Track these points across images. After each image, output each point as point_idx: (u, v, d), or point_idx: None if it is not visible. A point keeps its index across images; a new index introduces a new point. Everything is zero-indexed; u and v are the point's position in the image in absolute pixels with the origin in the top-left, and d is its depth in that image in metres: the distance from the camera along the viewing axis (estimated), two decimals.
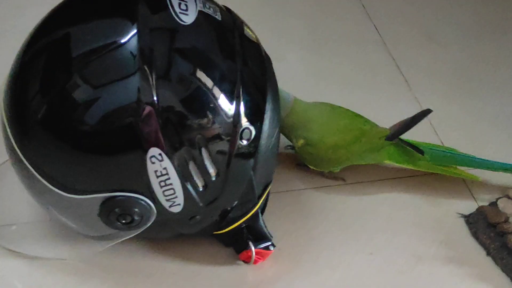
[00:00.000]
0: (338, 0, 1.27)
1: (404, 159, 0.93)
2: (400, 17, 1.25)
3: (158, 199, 0.75)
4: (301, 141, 0.92)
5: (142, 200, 0.74)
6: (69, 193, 0.75)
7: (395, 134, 0.92)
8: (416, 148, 0.92)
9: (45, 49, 0.76)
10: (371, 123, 0.94)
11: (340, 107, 0.94)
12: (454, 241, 0.91)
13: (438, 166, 0.94)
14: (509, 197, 0.95)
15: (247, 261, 0.84)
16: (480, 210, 0.93)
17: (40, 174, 0.75)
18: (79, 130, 0.73)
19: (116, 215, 0.76)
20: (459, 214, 0.94)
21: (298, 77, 1.10)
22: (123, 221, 0.76)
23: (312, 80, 1.12)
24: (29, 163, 0.76)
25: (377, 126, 0.94)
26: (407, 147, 0.93)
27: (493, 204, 0.94)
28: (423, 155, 0.92)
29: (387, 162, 0.94)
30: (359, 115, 0.94)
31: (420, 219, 0.93)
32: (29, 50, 0.76)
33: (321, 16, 1.21)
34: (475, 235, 0.91)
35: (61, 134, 0.74)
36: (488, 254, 0.90)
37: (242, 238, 0.83)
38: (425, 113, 0.93)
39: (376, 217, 0.92)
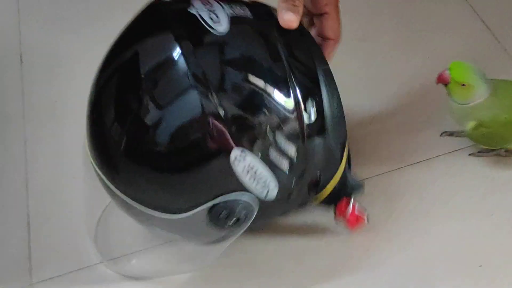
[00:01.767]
0: None
1: None
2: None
3: (254, 192, 0.79)
4: (472, 123, 0.91)
5: (241, 197, 0.78)
6: (173, 213, 0.80)
7: None
8: None
9: (109, 81, 0.81)
10: None
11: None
12: None
13: None
14: None
15: (343, 216, 0.89)
16: None
17: (139, 203, 0.79)
18: (159, 152, 0.76)
19: (223, 219, 0.80)
20: None
21: None
22: (231, 222, 0.81)
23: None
24: (125, 196, 0.79)
25: None
26: None
27: None
28: None
29: None
30: None
31: None
32: (98, 84, 0.82)
33: None
34: None
35: (144, 161, 0.77)
36: None
37: (338, 196, 0.89)
38: None
39: None
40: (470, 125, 0.92)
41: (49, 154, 1.07)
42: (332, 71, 0.81)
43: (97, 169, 0.81)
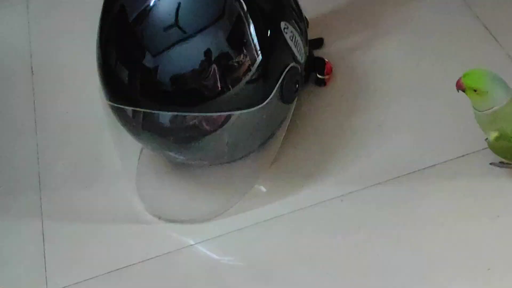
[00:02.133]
0: None
1: None
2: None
3: (297, 58, 0.97)
4: (495, 134, 0.90)
5: (294, 65, 0.96)
6: (255, 105, 0.91)
7: None
8: None
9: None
10: None
11: None
12: None
13: None
14: None
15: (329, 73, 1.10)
16: None
17: (224, 110, 0.90)
18: None
19: (291, 90, 0.96)
20: None
21: None
22: (296, 89, 0.97)
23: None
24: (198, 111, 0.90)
25: None
26: None
27: None
28: None
29: None
30: None
31: None
32: None
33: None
34: None
35: None
36: None
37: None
38: None
39: None
40: (492, 135, 0.90)
41: (61, 164, 1.09)
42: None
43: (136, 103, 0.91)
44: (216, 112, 0.91)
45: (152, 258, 0.96)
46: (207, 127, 0.93)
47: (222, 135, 0.94)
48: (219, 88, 0.88)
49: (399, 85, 1.09)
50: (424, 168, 0.99)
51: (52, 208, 1.04)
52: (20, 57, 1.27)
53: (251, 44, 0.90)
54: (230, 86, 0.89)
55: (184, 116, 0.92)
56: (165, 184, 1.03)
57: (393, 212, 0.96)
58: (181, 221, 0.98)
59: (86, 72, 1.21)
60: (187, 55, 0.88)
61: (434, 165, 0.99)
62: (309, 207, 0.97)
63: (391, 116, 1.06)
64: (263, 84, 0.92)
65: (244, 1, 0.89)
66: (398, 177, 0.98)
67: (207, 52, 0.87)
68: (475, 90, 0.88)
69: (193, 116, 0.92)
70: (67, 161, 1.10)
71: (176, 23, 0.88)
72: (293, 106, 0.99)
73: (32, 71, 1.24)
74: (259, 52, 0.90)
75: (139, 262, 0.96)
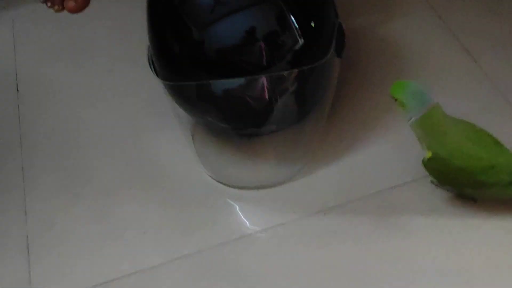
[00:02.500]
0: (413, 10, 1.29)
1: None
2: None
3: (338, 15, 1.00)
4: (429, 154, 0.91)
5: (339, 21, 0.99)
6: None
7: None
8: None
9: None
10: (505, 152, 0.89)
11: (482, 130, 0.91)
12: None
13: None
14: None
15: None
16: None
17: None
18: None
19: (342, 43, 0.99)
20: None
21: None
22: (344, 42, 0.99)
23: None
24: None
25: (509, 155, 0.89)
26: None
27: None
28: None
29: None
30: (498, 143, 0.90)
31: None
32: None
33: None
34: None
35: None
36: None
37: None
38: None
39: None
40: (427, 154, 0.91)
41: (47, 182, 1.10)
42: None
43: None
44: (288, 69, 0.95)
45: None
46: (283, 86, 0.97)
47: (295, 94, 0.98)
48: (290, 47, 0.94)
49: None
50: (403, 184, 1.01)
51: (39, 227, 1.04)
52: (5, 75, 1.27)
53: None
54: (297, 45, 0.94)
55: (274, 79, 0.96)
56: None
57: (374, 226, 0.98)
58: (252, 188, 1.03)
59: (72, 90, 1.23)
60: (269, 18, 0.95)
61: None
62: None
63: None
64: (323, 40, 0.97)
65: None
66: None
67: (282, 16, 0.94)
68: (396, 100, 0.90)
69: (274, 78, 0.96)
70: (53, 177, 1.11)
71: None
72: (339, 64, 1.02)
73: (17, 89, 1.25)
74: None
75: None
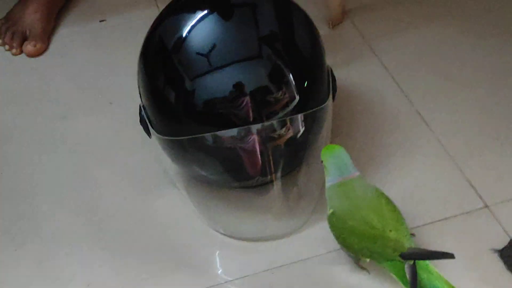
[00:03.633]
0: (357, 57, 1.31)
1: (406, 280, 0.89)
2: (417, 63, 1.29)
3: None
4: (331, 210, 0.94)
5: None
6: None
7: (411, 256, 0.89)
8: (413, 279, 0.88)
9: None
10: (402, 231, 0.91)
11: (389, 203, 0.93)
12: (490, 278, 0.94)
13: None
14: None
15: None
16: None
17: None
18: None
19: (335, 87, 1.06)
20: (492, 249, 0.96)
21: None
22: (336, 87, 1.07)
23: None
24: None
25: (405, 236, 0.91)
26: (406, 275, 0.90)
27: None
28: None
29: (392, 274, 0.91)
30: (396, 215, 0.92)
31: (455, 261, 0.93)
32: None
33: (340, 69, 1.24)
34: (510, 268, 0.93)
35: None
36: None
37: None
38: (447, 256, 0.88)
39: None
40: (329, 211, 0.95)
41: None
42: None
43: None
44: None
45: None
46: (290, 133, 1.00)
47: (296, 139, 1.01)
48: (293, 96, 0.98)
49: None
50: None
51: None
52: None
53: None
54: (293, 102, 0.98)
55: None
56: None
57: None
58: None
59: (26, 135, 1.22)
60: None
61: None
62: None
63: None
64: (322, 86, 1.02)
65: None
66: None
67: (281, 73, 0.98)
68: (322, 161, 0.95)
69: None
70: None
71: None
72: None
73: None
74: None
75: None
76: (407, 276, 0.88)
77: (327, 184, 0.96)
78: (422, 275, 0.89)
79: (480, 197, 1.04)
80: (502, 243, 0.97)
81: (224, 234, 1.04)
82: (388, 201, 0.94)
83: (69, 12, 1.47)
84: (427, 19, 1.36)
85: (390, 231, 0.90)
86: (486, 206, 1.02)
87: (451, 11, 1.38)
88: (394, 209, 0.93)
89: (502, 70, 1.24)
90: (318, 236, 1.01)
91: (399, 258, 0.89)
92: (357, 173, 0.95)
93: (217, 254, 1.02)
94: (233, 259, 1.01)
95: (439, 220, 1.01)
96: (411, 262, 0.89)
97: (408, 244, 0.90)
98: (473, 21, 1.35)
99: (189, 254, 1.02)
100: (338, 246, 0.98)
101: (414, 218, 0.99)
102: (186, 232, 1.05)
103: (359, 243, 0.92)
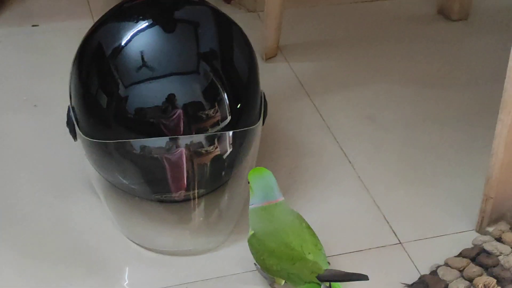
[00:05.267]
0: (287, 91, 1.34)
1: None
2: (343, 102, 1.32)
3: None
4: (251, 232, 0.96)
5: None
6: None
7: (327, 277, 0.90)
8: None
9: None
10: (318, 254, 0.93)
11: (307, 225, 0.95)
12: None
13: None
14: (448, 265, 1.00)
15: None
16: (422, 279, 0.98)
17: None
18: None
19: (266, 111, 1.09)
20: (403, 283, 0.98)
21: None
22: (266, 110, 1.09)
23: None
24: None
25: (322, 260, 0.92)
26: None
27: (434, 272, 0.99)
28: None
29: None
30: (314, 240, 0.94)
31: None
32: None
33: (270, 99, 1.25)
34: None
35: None
36: None
37: None
38: (361, 277, 0.89)
39: None
40: (250, 232, 0.96)
41: None
42: None
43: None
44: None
45: None
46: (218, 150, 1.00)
47: (223, 158, 1.01)
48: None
49: None
50: None
51: None
52: None
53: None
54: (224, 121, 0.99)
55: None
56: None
57: None
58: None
59: None
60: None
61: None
62: None
63: None
64: (254, 109, 1.04)
65: None
66: None
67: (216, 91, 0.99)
68: (248, 182, 0.97)
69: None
70: None
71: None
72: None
73: None
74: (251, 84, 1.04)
75: None
76: None
77: (251, 206, 0.97)
78: None
79: (395, 234, 1.06)
80: (412, 278, 0.99)
81: (139, 245, 1.02)
82: (308, 226, 0.96)
83: (2, 14, 1.45)
84: (356, 63, 1.41)
85: (309, 253, 0.92)
86: (400, 243, 1.05)
87: (379, 59, 1.43)
88: (313, 234, 0.95)
89: (419, 115, 1.30)
90: (235, 255, 1.02)
91: (316, 280, 0.90)
92: (282, 198, 0.96)
93: (128, 264, 1.01)
94: (144, 271, 0.99)
95: (354, 251, 1.03)
96: (327, 284, 0.90)
97: (325, 267, 0.91)
98: (397, 68, 1.41)
99: (101, 262, 1.00)
100: (254, 267, 0.98)
101: (330, 248, 1.00)
102: (101, 240, 1.03)
103: (277, 264, 0.93)
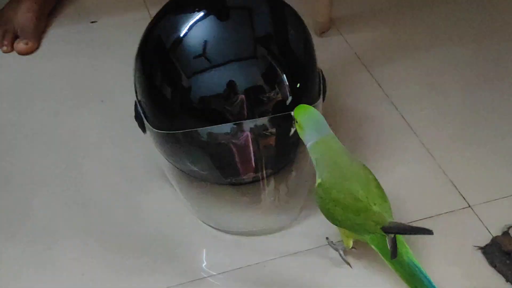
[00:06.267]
0: (344, 65, 1.35)
1: (386, 252, 0.92)
2: (401, 71, 1.33)
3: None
4: (319, 180, 0.96)
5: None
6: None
7: (392, 229, 0.91)
8: (394, 250, 0.91)
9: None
10: (384, 206, 0.94)
11: (370, 173, 0.96)
12: (474, 273, 0.98)
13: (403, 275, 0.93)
14: None
15: None
16: (494, 240, 1.00)
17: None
18: None
19: (326, 87, 1.11)
20: (476, 246, 1.00)
21: None
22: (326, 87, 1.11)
23: None
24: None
25: (387, 212, 0.93)
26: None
27: (506, 233, 1.00)
28: (392, 258, 0.92)
29: (372, 246, 0.94)
30: (380, 192, 0.95)
31: (440, 257, 0.99)
32: None
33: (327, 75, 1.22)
34: (493, 264, 0.97)
35: None
36: (507, 280, 0.96)
37: None
38: (426, 232, 0.90)
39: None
40: (317, 181, 0.96)
41: None
42: None
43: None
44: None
45: None
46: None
47: (287, 138, 1.03)
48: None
49: None
50: None
51: None
52: None
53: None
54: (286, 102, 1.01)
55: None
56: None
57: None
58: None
59: (15, 130, 1.23)
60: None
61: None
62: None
63: None
64: (314, 87, 1.06)
65: None
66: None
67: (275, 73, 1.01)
68: (296, 121, 0.97)
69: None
70: None
71: None
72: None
73: None
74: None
75: None
76: (389, 246, 0.91)
77: (308, 144, 0.96)
78: (401, 249, 0.92)
79: (463, 197, 1.07)
80: (484, 241, 1.00)
81: (215, 228, 1.06)
82: (375, 178, 0.96)
83: (61, 12, 1.49)
84: (412, 29, 1.41)
85: (374, 204, 0.92)
86: (469, 206, 1.06)
87: (435, 23, 1.42)
88: (379, 186, 0.96)
89: (479, 77, 1.30)
90: (307, 231, 1.04)
91: (381, 231, 0.92)
92: (332, 133, 0.97)
93: (206, 247, 1.04)
94: (222, 252, 1.03)
95: (424, 218, 1.04)
96: (392, 235, 0.91)
97: (389, 219, 0.92)
98: (453, 31, 1.40)
99: (179, 247, 1.04)
100: (325, 241, 1.01)
101: (399, 216, 1.01)
102: (177, 226, 1.07)
103: (342, 214, 0.94)
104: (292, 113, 0.99)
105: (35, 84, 1.33)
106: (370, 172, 0.96)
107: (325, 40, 1.39)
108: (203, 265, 1.03)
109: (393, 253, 0.91)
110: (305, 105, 0.99)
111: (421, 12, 1.45)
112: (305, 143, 0.98)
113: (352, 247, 0.98)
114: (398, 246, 0.91)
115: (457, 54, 1.35)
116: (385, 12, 1.46)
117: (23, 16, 1.40)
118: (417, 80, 1.29)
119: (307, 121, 0.97)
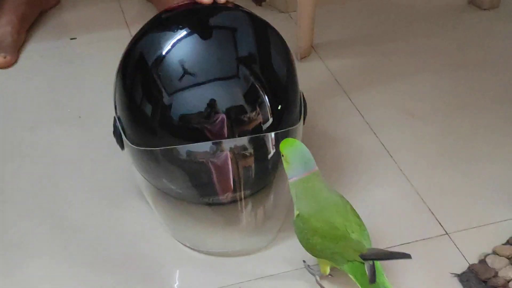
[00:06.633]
0: (323, 90, 1.36)
1: (363, 281, 0.91)
2: (379, 97, 1.34)
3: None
4: (297, 212, 0.97)
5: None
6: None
7: (370, 256, 0.91)
8: (372, 275, 0.90)
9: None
10: (362, 234, 0.94)
11: (347, 204, 0.96)
12: None
13: None
14: (496, 253, 1.01)
15: None
16: (471, 268, 0.99)
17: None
18: None
19: (306, 110, 1.11)
20: (453, 273, 0.99)
21: None
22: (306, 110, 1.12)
23: None
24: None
25: (365, 238, 0.94)
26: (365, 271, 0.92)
27: (482, 261, 1.00)
28: (371, 283, 0.90)
29: (350, 275, 0.93)
30: (358, 220, 0.95)
31: (417, 284, 0.99)
32: None
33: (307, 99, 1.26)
34: None
35: None
36: None
37: None
38: (404, 256, 0.91)
39: None
40: (295, 213, 0.96)
41: None
42: None
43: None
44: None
45: None
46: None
47: (267, 159, 1.03)
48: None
49: None
50: None
51: None
52: None
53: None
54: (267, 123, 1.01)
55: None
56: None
57: None
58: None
59: None
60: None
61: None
62: None
63: None
64: (295, 109, 1.06)
65: None
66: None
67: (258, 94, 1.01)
68: (282, 155, 0.97)
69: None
70: None
71: None
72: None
73: None
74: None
75: None
76: (367, 273, 0.90)
77: (291, 180, 0.97)
78: (379, 278, 0.91)
79: (440, 225, 1.07)
80: (461, 268, 1.00)
81: (190, 248, 1.05)
82: (353, 208, 0.97)
83: (41, 28, 1.49)
84: (390, 57, 1.42)
85: (352, 232, 0.93)
86: (446, 233, 1.06)
87: (413, 52, 1.44)
88: (357, 215, 0.96)
89: (456, 104, 1.31)
90: (284, 253, 1.03)
91: (359, 259, 0.91)
92: (317, 168, 0.97)
93: (180, 267, 1.03)
94: (197, 272, 1.02)
95: (401, 244, 1.04)
96: (371, 263, 0.91)
97: (368, 246, 0.92)
98: (430, 60, 1.42)
99: (153, 266, 1.02)
100: (302, 264, 1.00)
101: (377, 241, 1.01)
102: (152, 245, 1.05)
103: (321, 243, 0.94)
104: (273, 136, 0.99)
105: (12, 98, 1.32)
106: (347, 203, 0.97)
107: (305, 65, 1.40)
108: (175, 285, 1.01)
109: (371, 278, 0.90)
110: (291, 138, 0.99)
111: (400, 41, 1.47)
112: (288, 177, 0.97)
113: (328, 274, 0.98)
114: (376, 274, 0.91)
115: (434, 82, 1.36)
116: (364, 40, 1.47)
117: (2, 29, 1.39)
118: (395, 106, 1.30)
119: (293, 156, 0.96)
